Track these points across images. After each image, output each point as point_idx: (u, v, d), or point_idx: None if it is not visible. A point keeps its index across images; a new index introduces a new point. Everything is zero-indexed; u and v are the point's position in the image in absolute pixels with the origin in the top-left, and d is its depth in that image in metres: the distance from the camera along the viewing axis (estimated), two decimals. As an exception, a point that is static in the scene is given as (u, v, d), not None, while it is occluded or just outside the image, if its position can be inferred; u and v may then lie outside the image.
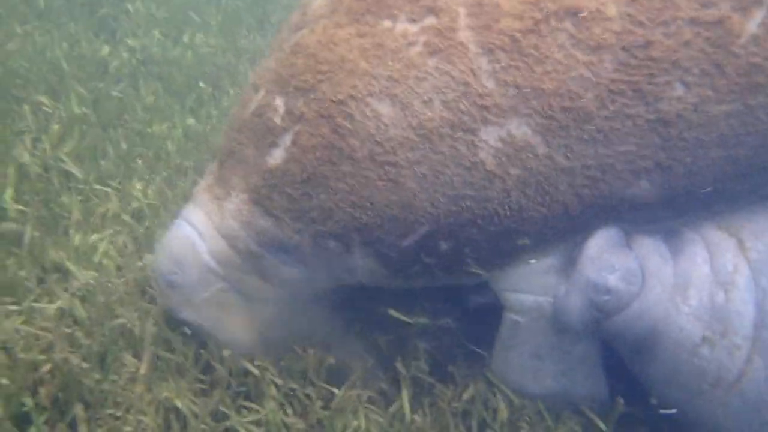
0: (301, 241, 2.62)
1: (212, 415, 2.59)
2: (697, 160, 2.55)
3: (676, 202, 2.67)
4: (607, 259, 2.62)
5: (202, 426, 2.51)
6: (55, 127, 3.91)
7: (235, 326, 2.76)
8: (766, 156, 2.62)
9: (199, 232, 2.68)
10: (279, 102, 2.61)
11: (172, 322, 2.76)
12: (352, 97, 2.50)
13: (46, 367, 2.42)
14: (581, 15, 2.45)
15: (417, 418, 2.71)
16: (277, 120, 2.59)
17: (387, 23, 2.56)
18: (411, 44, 2.51)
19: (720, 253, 2.68)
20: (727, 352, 2.56)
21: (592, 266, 2.62)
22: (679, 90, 2.45)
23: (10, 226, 3.09)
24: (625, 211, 2.66)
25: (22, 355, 2.45)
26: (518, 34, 2.45)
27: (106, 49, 5.10)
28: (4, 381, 2.34)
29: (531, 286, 2.77)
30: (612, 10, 2.44)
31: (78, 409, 2.36)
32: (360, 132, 2.48)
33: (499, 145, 2.48)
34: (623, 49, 2.43)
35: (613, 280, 2.59)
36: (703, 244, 2.72)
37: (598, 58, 2.44)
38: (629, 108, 2.46)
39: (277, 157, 2.58)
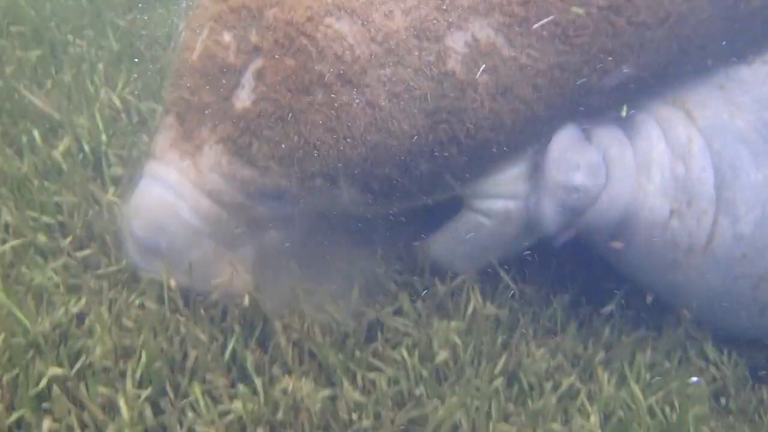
0: (288, 184, 2.48)
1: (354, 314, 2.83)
2: (644, 44, 2.60)
3: (627, 88, 2.70)
4: (571, 158, 2.67)
5: (346, 325, 2.78)
6: (100, 66, 3.95)
7: (228, 278, 2.63)
8: (706, 32, 2.71)
9: (176, 191, 2.46)
10: (227, 37, 2.39)
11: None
12: (309, 19, 2.31)
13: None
14: None
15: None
16: (231, 58, 2.37)
17: None
18: None
19: (672, 127, 2.78)
20: (695, 219, 2.71)
21: (558, 168, 2.67)
22: None
23: (116, 171, 3.18)
24: (583, 105, 2.69)
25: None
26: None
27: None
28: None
29: (501, 192, 2.81)
30: None
31: (278, 325, 2.62)
32: (326, 55, 2.31)
33: (466, 50, 2.41)
34: None
35: (579, 177, 2.66)
36: (655, 121, 2.81)
37: None
38: None
39: (244, 98, 2.36)
